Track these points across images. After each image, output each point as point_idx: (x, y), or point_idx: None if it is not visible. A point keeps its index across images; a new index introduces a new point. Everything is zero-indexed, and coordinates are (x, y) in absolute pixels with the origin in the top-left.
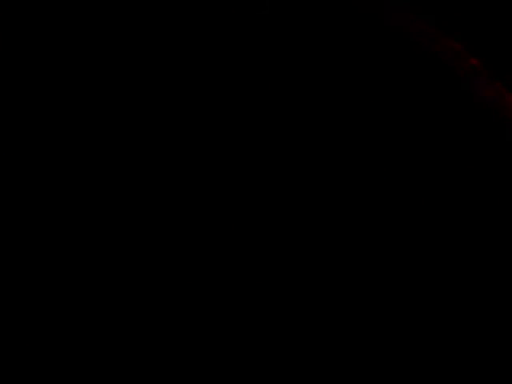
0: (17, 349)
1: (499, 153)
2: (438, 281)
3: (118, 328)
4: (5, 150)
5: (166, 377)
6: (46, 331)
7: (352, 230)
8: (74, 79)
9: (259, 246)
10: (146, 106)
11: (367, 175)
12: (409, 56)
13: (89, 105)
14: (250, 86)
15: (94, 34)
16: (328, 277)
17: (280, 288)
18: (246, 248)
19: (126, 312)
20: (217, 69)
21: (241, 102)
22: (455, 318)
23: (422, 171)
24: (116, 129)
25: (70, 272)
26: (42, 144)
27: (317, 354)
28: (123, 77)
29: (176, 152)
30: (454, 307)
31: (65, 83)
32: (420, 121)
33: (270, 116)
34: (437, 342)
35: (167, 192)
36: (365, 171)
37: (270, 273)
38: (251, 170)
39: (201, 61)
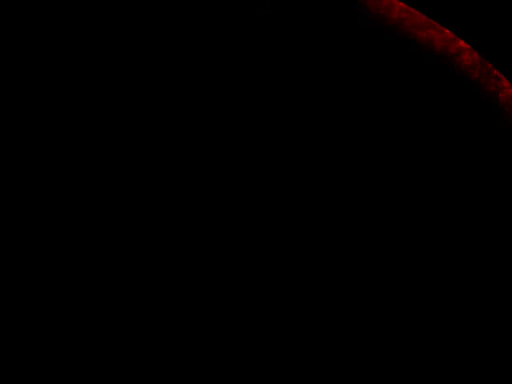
0: (17, 349)
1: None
2: (438, 278)
3: (118, 328)
4: (4, 150)
5: (166, 377)
6: (45, 331)
7: (352, 228)
8: (74, 79)
9: (259, 246)
10: (145, 106)
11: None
12: (401, 43)
13: (88, 105)
14: (250, 86)
15: (93, 34)
16: (328, 277)
17: (280, 288)
18: (246, 248)
19: (125, 313)
20: (216, 69)
21: (240, 102)
22: (455, 318)
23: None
24: (116, 129)
25: (70, 272)
26: (42, 144)
27: (316, 355)
28: (123, 77)
29: (175, 152)
30: (454, 307)
31: (64, 83)
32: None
33: (270, 116)
34: (437, 342)
35: (167, 192)
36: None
37: (269, 273)
38: (251, 170)
39: (200, 61)
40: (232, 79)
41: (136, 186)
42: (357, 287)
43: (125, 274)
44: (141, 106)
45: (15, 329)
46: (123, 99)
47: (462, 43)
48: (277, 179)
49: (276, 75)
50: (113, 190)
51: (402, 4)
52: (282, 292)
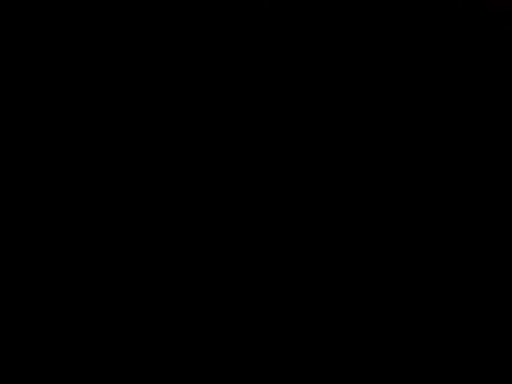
0: (17, 348)
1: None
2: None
3: (118, 328)
4: (5, 149)
5: (166, 377)
6: (46, 331)
7: (352, 227)
8: (75, 79)
9: (259, 245)
10: (146, 105)
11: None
12: None
13: (89, 104)
14: (250, 85)
15: (94, 34)
16: (327, 277)
17: (279, 288)
18: (246, 248)
19: (125, 312)
20: (217, 68)
21: (241, 100)
22: (455, 317)
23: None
24: (116, 129)
25: (71, 272)
26: (43, 144)
27: (316, 355)
28: (124, 76)
29: (176, 151)
30: (454, 306)
31: (65, 83)
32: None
33: (270, 115)
34: (437, 342)
35: (167, 192)
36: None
37: (269, 272)
38: (251, 170)
39: (201, 60)
40: (232, 78)
41: (136, 185)
42: (356, 287)
43: (125, 273)
44: (141, 106)
45: (15, 328)
46: (124, 99)
47: None
48: (277, 178)
49: (276, 74)
50: (113, 190)
51: None
52: (282, 291)
